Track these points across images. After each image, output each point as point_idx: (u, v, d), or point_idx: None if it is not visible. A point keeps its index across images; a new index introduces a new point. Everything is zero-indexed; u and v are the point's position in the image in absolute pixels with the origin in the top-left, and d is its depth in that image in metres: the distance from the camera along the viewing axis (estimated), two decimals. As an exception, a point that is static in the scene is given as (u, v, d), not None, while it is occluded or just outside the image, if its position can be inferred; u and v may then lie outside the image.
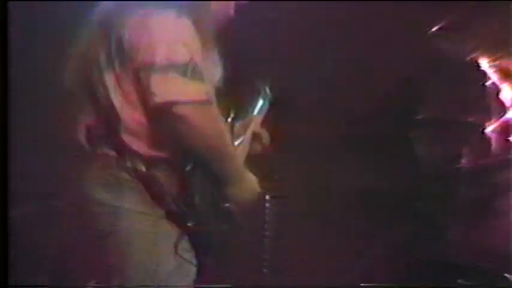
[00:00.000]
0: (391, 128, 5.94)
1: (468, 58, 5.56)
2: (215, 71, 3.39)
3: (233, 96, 3.53)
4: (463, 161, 5.58)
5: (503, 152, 5.38)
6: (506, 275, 4.97)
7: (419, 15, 5.69)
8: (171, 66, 3.01)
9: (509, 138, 5.34)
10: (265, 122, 3.82)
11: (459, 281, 5.21)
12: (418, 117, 5.80)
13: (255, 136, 3.72)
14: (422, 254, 5.57)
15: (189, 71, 3.00)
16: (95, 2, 3.33)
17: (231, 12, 3.47)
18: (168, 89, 2.99)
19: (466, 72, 5.60)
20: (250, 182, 3.42)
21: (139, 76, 3.02)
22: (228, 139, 3.32)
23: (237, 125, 3.58)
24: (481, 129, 5.49)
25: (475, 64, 5.53)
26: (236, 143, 3.52)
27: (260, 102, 3.84)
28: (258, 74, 4.06)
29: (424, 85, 6.01)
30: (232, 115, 3.57)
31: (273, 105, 3.82)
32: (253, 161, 3.61)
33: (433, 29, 5.56)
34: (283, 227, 5.47)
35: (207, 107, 3.07)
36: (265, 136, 3.74)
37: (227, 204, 3.35)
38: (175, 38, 3.07)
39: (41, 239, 4.99)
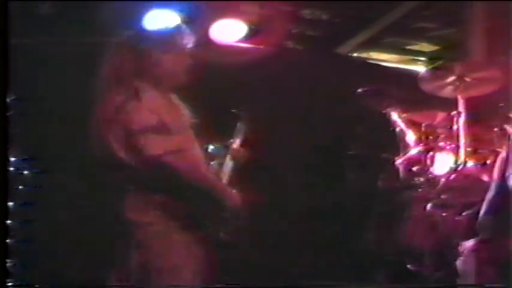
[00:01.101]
0: (330, 158, 7.17)
1: (384, 111, 6.75)
2: (184, 116, 3.99)
3: (212, 127, 4.13)
4: (380, 183, 6.71)
5: (408, 178, 6.53)
6: (409, 266, 6.13)
7: (350, 80, 7.08)
8: (148, 130, 3.73)
9: (412, 168, 6.49)
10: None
11: (375, 270, 6.25)
12: (349, 152, 7.07)
13: (236, 157, 4.32)
14: (350, 251, 6.59)
15: (161, 130, 3.74)
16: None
17: (189, 61, 4.04)
18: (150, 145, 3.74)
19: (382, 121, 6.77)
20: (234, 196, 4.01)
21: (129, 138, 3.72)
22: (205, 169, 3.93)
23: (217, 151, 4.24)
24: (392, 162, 6.63)
25: (389, 116, 6.73)
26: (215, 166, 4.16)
27: (238, 127, 4.39)
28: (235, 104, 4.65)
29: (353, 130, 7.30)
30: (211, 145, 4.24)
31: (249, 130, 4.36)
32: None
33: (360, 90, 6.78)
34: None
35: (182, 153, 3.76)
36: (244, 155, 4.35)
37: (224, 214, 3.97)
38: (145, 107, 3.76)
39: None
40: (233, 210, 4.00)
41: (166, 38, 4.17)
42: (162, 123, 3.76)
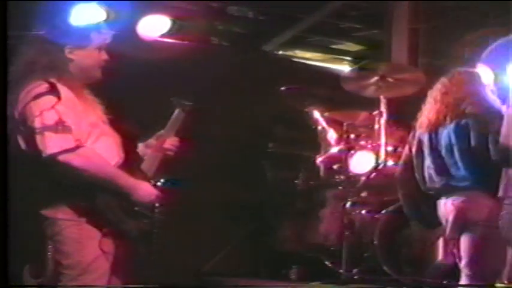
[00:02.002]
0: (251, 156, 7.20)
1: (306, 110, 6.77)
2: (95, 113, 3.99)
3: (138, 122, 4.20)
4: (299, 181, 6.76)
5: (328, 176, 6.57)
6: (327, 262, 6.20)
7: (274, 78, 7.13)
8: (46, 128, 3.73)
9: (333, 167, 6.53)
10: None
11: (294, 267, 6.31)
12: (270, 150, 7.11)
13: (165, 150, 4.26)
14: (268, 246, 6.71)
15: (59, 129, 3.74)
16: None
17: (104, 56, 4.03)
18: (46, 144, 3.73)
19: (304, 119, 6.81)
20: (146, 190, 3.99)
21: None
22: (107, 165, 3.89)
23: (140, 145, 4.23)
24: (313, 160, 6.66)
25: (311, 114, 6.74)
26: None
27: (176, 113, 4.30)
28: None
29: (275, 127, 7.36)
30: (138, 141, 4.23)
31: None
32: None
33: (283, 88, 6.80)
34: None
35: (80, 150, 3.77)
36: (174, 146, 4.27)
37: (136, 208, 3.95)
38: (46, 105, 3.74)
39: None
40: (146, 205, 4.01)
41: (82, 34, 4.13)
42: (61, 122, 3.79)
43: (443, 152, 4.91)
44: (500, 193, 4.25)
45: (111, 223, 3.93)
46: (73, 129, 3.82)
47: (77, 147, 3.81)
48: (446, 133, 4.89)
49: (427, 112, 5.08)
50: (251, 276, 6.17)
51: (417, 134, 5.14)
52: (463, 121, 4.82)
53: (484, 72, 4.87)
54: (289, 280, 6.18)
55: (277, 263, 6.49)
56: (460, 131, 4.83)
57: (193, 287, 6.05)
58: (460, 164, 4.82)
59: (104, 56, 4.10)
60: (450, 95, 4.96)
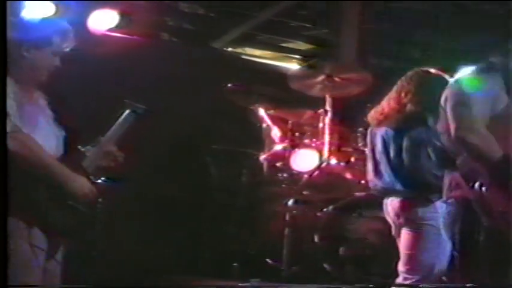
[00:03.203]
0: (195, 152, 7.18)
1: (252, 107, 6.81)
2: (36, 105, 3.93)
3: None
4: (244, 179, 6.75)
5: (272, 173, 6.59)
6: (269, 261, 6.20)
7: (222, 75, 7.09)
8: None
9: (276, 164, 6.55)
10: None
11: (235, 264, 6.28)
12: (213, 147, 7.05)
13: (107, 153, 4.16)
14: (210, 243, 6.69)
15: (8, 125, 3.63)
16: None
17: (57, 63, 3.93)
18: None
19: (249, 116, 6.86)
20: (81, 184, 3.91)
21: None
22: (47, 157, 3.82)
23: (88, 148, 4.11)
24: (257, 157, 6.68)
25: (256, 111, 6.78)
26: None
27: (126, 114, 4.21)
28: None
29: (220, 124, 7.31)
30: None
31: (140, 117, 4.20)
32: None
33: (230, 85, 6.80)
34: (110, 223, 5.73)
35: (18, 134, 3.71)
36: (117, 154, 4.15)
37: (70, 202, 3.86)
38: None
39: None
40: (80, 199, 3.92)
41: (43, 35, 4.01)
42: None
43: (379, 154, 5.00)
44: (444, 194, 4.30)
45: (41, 216, 3.82)
46: (11, 114, 3.71)
47: (13, 131, 3.70)
48: (382, 136, 4.98)
49: (375, 112, 5.15)
50: (193, 274, 6.11)
51: (368, 132, 5.23)
52: (404, 125, 4.88)
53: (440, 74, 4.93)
54: (231, 278, 6.15)
55: (219, 261, 6.49)
56: (398, 135, 4.89)
57: (134, 285, 5.92)
58: (392, 168, 4.89)
59: (57, 62, 4.00)
60: (400, 94, 5.00)
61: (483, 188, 3.72)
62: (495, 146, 3.74)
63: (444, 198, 4.40)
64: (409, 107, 4.92)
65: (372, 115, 5.19)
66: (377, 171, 5.05)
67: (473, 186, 3.77)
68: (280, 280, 5.94)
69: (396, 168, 4.88)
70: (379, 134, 5.04)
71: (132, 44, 7.50)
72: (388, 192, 4.97)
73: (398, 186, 4.87)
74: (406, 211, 4.83)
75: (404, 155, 4.83)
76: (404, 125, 4.90)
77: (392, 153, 4.90)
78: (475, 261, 4.20)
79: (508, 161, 3.74)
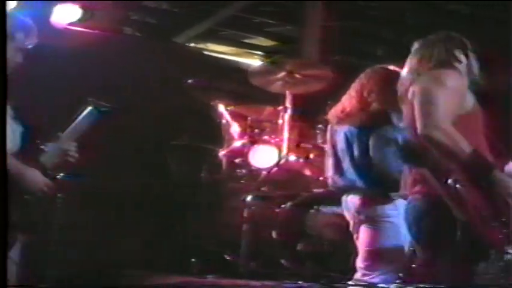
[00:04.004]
0: (155, 148, 7.16)
1: (212, 103, 6.80)
2: None
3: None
4: (203, 175, 6.72)
5: (231, 169, 6.58)
6: (227, 257, 6.20)
7: (183, 70, 7.11)
8: None
9: (235, 160, 6.54)
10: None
11: (193, 260, 6.20)
12: (173, 143, 7.00)
13: (65, 150, 4.17)
14: (170, 238, 6.64)
15: None
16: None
17: (19, 59, 3.97)
18: None
19: (209, 112, 6.84)
20: (34, 177, 3.94)
21: None
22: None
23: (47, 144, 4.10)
24: (216, 153, 6.67)
25: (216, 107, 6.77)
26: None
27: (87, 110, 4.22)
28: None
29: (180, 120, 7.31)
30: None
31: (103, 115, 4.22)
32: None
33: (190, 81, 6.79)
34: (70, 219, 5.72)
35: None
36: (75, 150, 4.17)
37: (27, 197, 3.90)
38: None
39: None
40: (36, 194, 3.94)
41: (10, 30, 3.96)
42: None
43: (341, 151, 5.03)
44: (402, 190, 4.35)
45: None
46: None
47: None
48: (344, 134, 4.99)
49: (335, 110, 5.16)
50: (152, 269, 6.06)
51: (328, 129, 5.25)
52: (369, 123, 4.91)
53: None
54: (189, 273, 6.10)
55: (177, 256, 6.47)
56: (357, 133, 4.93)
57: (93, 282, 5.93)
58: (355, 165, 4.93)
59: (19, 58, 3.99)
60: (362, 93, 5.02)
61: (457, 185, 3.70)
62: (463, 143, 3.73)
63: (407, 194, 4.31)
64: (374, 105, 4.96)
65: (332, 113, 5.22)
66: (338, 169, 5.09)
67: (445, 182, 3.74)
68: (238, 276, 5.93)
69: (359, 165, 4.92)
70: (341, 132, 5.05)
71: (94, 39, 7.50)
72: (348, 189, 5.01)
73: (361, 184, 4.92)
74: (367, 208, 4.88)
75: (370, 152, 4.86)
76: (369, 123, 4.92)
77: (356, 151, 4.94)
78: (443, 258, 4.04)
79: (478, 157, 3.76)
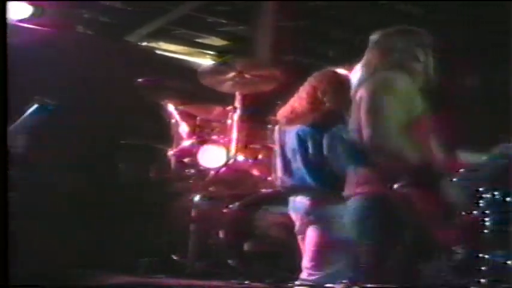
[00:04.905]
0: (104, 148, 7.12)
1: (161, 102, 6.78)
2: None
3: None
4: (152, 174, 6.72)
5: (180, 169, 6.57)
6: (174, 257, 6.17)
7: (134, 69, 7.11)
8: None
9: (184, 160, 6.54)
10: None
11: (140, 259, 6.13)
12: (122, 142, 6.96)
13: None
14: (118, 238, 6.44)
15: None
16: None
17: None
18: None
19: (159, 111, 6.82)
20: None
21: None
22: None
23: None
24: (164, 153, 6.65)
25: (165, 107, 6.74)
26: None
27: (34, 107, 4.29)
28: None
29: (130, 119, 7.29)
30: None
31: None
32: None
33: (141, 80, 6.75)
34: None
35: None
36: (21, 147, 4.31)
37: None
38: None
39: None
40: None
41: None
42: None
43: (292, 151, 5.02)
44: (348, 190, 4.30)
45: None
46: None
47: None
48: (296, 134, 4.99)
49: (284, 111, 5.17)
50: (101, 269, 5.90)
51: (276, 130, 5.25)
52: (319, 122, 4.92)
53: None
54: (137, 273, 6.03)
55: (125, 256, 6.33)
56: (310, 133, 4.93)
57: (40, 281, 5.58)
58: (307, 165, 4.94)
59: None
60: (314, 93, 5.03)
61: (405, 188, 3.75)
62: (411, 151, 3.76)
63: (352, 194, 4.34)
64: (327, 106, 4.98)
65: (281, 113, 5.22)
66: (287, 169, 5.09)
67: (391, 187, 3.78)
68: (185, 276, 5.91)
69: (312, 165, 4.93)
70: (291, 132, 5.06)
71: (45, 36, 7.44)
72: (298, 189, 5.01)
73: (312, 184, 4.92)
74: (318, 209, 4.89)
75: (323, 152, 4.87)
76: (322, 122, 4.93)
77: (309, 151, 4.94)
78: (387, 258, 4.10)
79: (427, 162, 3.80)
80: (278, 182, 5.23)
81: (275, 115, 5.47)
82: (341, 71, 5.04)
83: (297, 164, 4.99)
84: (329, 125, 4.88)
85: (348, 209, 4.19)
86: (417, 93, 3.98)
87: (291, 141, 5.03)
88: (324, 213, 4.86)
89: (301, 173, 4.95)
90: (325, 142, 4.86)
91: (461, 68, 8.24)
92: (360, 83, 4.06)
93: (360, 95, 3.98)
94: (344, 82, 4.82)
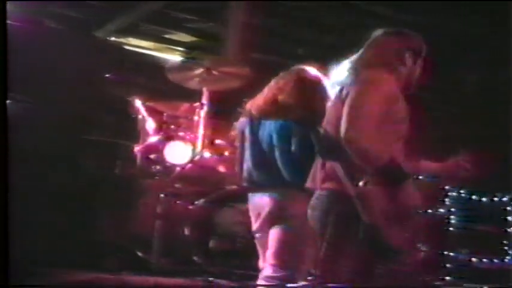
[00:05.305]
0: (70, 144, 6.84)
1: (129, 98, 6.80)
2: None
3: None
4: (117, 170, 6.73)
5: (145, 166, 6.56)
6: (139, 253, 6.11)
7: (102, 64, 7.03)
8: None
9: (150, 156, 6.54)
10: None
11: (105, 256, 6.10)
12: (88, 138, 6.86)
13: None
14: (84, 235, 6.33)
15: None
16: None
17: None
18: None
19: (126, 107, 6.84)
20: None
21: None
22: None
23: None
24: (131, 149, 6.65)
25: (132, 103, 6.75)
26: None
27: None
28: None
29: (97, 115, 7.06)
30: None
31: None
32: None
33: (108, 75, 6.80)
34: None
35: None
36: None
37: None
38: None
39: None
40: None
41: None
42: None
43: (263, 147, 4.90)
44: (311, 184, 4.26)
45: None
46: None
47: None
48: (268, 130, 4.88)
49: (250, 107, 5.08)
50: (64, 265, 5.85)
51: (242, 123, 5.14)
52: (287, 120, 4.83)
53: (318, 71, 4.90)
54: (102, 270, 5.93)
55: (90, 252, 6.24)
56: (282, 130, 4.83)
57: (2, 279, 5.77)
58: (278, 161, 4.83)
59: None
60: (282, 90, 4.94)
61: (366, 186, 3.75)
62: (384, 150, 3.78)
63: (316, 188, 4.28)
64: (288, 103, 4.88)
65: (247, 110, 5.16)
66: (259, 163, 4.96)
67: (356, 184, 3.78)
68: (150, 272, 5.87)
69: (292, 163, 4.82)
70: (270, 125, 4.92)
71: (12, 30, 7.38)
72: (260, 186, 4.93)
73: (272, 181, 4.84)
74: (278, 206, 4.81)
75: (307, 151, 4.69)
76: (284, 121, 4.84)
77: (289, 148, 4.82)
78: (346, 256, 4.08)
79: (393, 165, 3.80)
80: (244, 175, 5.05)
81: (242, 112, 5.36)
82: (307, 70, 4.95)
83: (274, 159, 4.85)
84: (290, 122, 4.79)
85: (312, 203, 4.16)
86: (400, 97, 3.99)
87: (269, 134, 4.89)
88: (286, 211, 4.78)
89: (277, 169, 4.82)
90: (293, 139, 4.77)
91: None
92: (349, 79, 4.05)
93: (347, 90, 3.98)
94: (308, 81, 4.87)
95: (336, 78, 4.18)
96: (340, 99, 3.99)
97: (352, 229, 3.89)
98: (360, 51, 4.16)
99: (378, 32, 4.20)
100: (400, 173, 3.86)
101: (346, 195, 3.86)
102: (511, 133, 6.27)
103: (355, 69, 4.06)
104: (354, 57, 4.15)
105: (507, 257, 6.94)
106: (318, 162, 4.18)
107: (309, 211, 4.19)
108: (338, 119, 3.90)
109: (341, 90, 4.04)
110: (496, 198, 7.16)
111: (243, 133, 5.06)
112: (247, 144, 5.02)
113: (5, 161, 3.65)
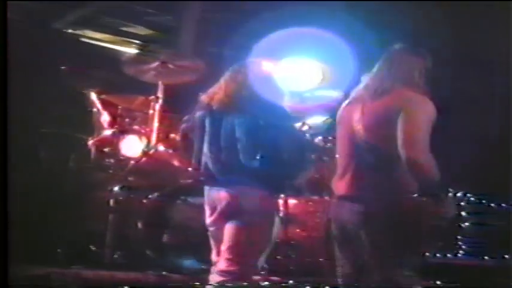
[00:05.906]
0: (25, 136, 6.83)
1: (84, 91, 6.74)
2: None
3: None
4: (71, 163, 6.69)
5: (100, 159, 6.56)
6: (92, 247, 6.13)
7: (58, 56, 7.08)
8: None
9: (104, 149, 6.55)
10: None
11: (58, 250, 6.12)
12: (42, 130, 6.96)
13: None
14: (36, 228, 6.31)
15: None
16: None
17: None
18: None
19: (81, 100, 6.77)
20: None
21: None
22: None
23: None
24: (85, 142, 6.64)
25: (87, 95, 6.71)
26: None
27: None
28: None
29: (51, 107, 7.26)
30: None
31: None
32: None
33: (64, 68, 6.74)
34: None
35: None
36: None
37: None
38: None
39: None
40: None
41: None
42: None
43: (224, 140, 4.84)
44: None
45: None
46: None
47: None
48: (231, 123, 4.82)
49: (213, 97, 4.99)
50: (15, 260, 5.77)
51: (200, 116, 5.05)
52: (245, 115, 4.79)
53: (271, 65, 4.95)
54: (55, 264, 5.94)
55: (43, 246, 6.25)
56: (245, 124, 4.80)
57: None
58: (241, 155, 4.77)
59: None
60: (236, 83, 4.90)
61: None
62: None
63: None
64: (242, 97, 4.84)
65: (205, 103, 5.13)
66: (218, 157, 4.86)
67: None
68: (103, 266, 5.87)
69: (232, 157, 4.77)
70: (215, 123, 4.90)
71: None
72: (218, 180, 4.88)
73: (232, 176, 4.79)
74: (236, 201, 4.77)
75: (272, 148, 4.74)
76: (238, 114, 4.79)
77: (230, 142, 4.79)
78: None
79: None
80: (202, 169, 4.96)
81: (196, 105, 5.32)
82: (265, 62, 4.97)
83: (236, 153, 4.77)
84: (246, 116, 4.74)
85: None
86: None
87: (231, 128, 4.82)
88: (241, 207, 4.73)
89: (237, 163, 4.76)
90: (238, 135, 4.74)
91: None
92: (376, 94, 4.28)
93: (383, 105, 4.21)
94: (267, 73, 4.88)
95: (353, 89, 4.41)
96: (378, 113, 4.21)
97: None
98: (381, 66, 4.39)
99: (397, 48, 4.42)
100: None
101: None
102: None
103: (383, 86, 4.29)
104: (376, 71, 4.38)
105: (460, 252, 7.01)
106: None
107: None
108: (354, 133, 4.15)
109: (361, 101, 4.29)
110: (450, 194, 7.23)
111: (201, 126, 4.99)
112: (206, 138, 4.94)
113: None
